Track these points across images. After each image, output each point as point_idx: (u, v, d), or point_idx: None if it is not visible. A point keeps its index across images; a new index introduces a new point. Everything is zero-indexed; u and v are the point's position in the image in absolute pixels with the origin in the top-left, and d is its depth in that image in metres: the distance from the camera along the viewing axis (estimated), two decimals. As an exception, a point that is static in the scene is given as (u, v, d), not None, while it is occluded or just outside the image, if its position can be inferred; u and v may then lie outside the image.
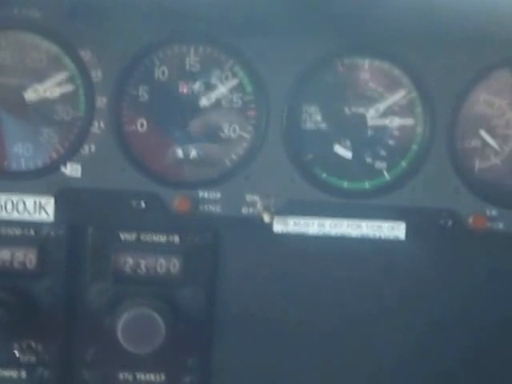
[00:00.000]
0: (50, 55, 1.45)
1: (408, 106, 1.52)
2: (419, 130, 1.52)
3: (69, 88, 1.45)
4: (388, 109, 1.52)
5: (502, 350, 1.57)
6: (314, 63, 1.48)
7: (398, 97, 1.51)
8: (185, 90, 1.48)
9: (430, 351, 1.54)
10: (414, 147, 1.53)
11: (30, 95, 1.45)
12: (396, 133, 1.53)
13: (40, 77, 1.45)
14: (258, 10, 1.42)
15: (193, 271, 1.48)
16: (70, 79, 1.45)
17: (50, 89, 1.45)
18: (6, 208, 1.44)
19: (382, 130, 1.52)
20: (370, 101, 1.51)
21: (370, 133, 1.52)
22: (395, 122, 1.51)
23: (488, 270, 1.53)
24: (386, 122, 1.52)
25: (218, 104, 1.49)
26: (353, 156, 1.52)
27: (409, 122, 1.52)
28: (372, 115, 1.51)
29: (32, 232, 1.44)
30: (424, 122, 1.52)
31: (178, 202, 1.48)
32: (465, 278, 1.53)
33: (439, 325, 1.53)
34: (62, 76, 1.45)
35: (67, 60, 1.44)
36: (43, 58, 1.45)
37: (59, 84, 1.45)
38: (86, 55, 1.44)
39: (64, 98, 1.46)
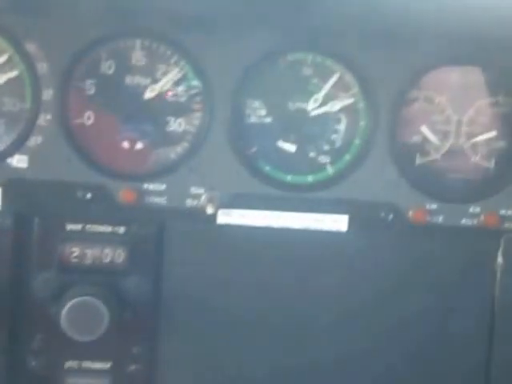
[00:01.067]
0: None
1: (344, 88, 1.55)
2: (362, 124, 1.56)
3: (12, 74, 1.47)
4: (326, 97, 1.55)
5: (446, 340, 1.61)
6: (258, 59, 1.51)
7: (331, 83, 1.54)
8: (131, 83, 1.51)
9: (371, 341, 1.58)
10: (357, 142, 1.56)
11: None
12: (339, 128, 1.56)
13: None
14: (204, 7, 1.45)
15: (138, 261, 1.50)
16: (13, 66, 1.47)
17: None
18: (-49, 198, 1.46)
19: (325, 124, 1.56)
20: (311, 94, 1.54)
21: (313, 127, 1.56)
22: (336, 105, 1.55)
23: (428, 261, 1.57)
24: (327, 108, 1.55)
25: (163, 98, 1.52)
26: (296, 150, 1.56)
27: (349, 101, 1.56)
28: (312, 107, 1.54)
29: None
30: (367, 118, 1.55)
31: (124, 194, 1.50)
32: (405, 269, 1.57)
33: (378, 314, 1.57)
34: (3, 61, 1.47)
35: (12, 52, 1.46)
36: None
37: (3, 70, 1.47)
38: (31, 48, 1.46)
39: (10, 90, 1.48)
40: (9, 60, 1.47)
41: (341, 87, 1.55)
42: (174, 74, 1.51)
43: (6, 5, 1.43)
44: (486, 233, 1.57)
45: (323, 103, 1.55)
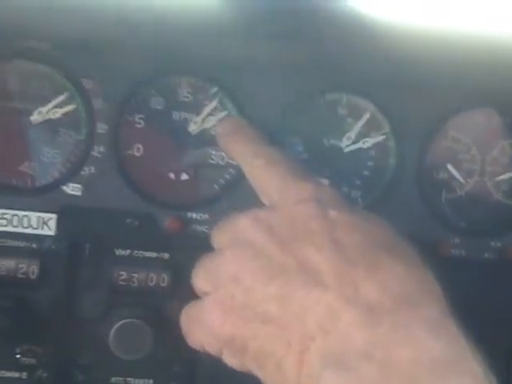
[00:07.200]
0: (54, 83, 1.58)
1: (376, 127, 1.67)
2: (392, 162, 1.67)
3: (70, 108, 1.59)
4: (359, 134, 1.66)
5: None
6: (296, 100, 1.63)
7: (363, 122, 1.66)
8: (177, 118, 1.63)
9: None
10: (387, 178, 1.67)
11: (36, 117, 1.58)
12: (371, 164, 1.67)
13: (44, 101, 1.58)
14: (250, 53, 1.56)
15: (181, 285, 1.60)
16: (70, 101, 1.59)
17: (52, 110, 1.58)
18: (12, 222, 1.57)
19: (357, 161, 1.67)
20: (345, 132, 1.66)
21: (346, 164, 1.67)
22: (368, 142, 1.66)
23: (451, 291, 1.66)
24: (359, 145, 1.66)
25: (207, 133, 1.63)
26: (330, 185, 1.66)
27: (379, 138, 1.67)
28: (346, 143, 1.65)
29: (35, 245, 1.57)
30: (396, 156, 1.66)
31: (169, 222, 1.61)
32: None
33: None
34: (62, 98, 1.59)
35: (71, 88, 1.58)
36: (48, 85, 1.59)
37: (60, 105, 1.59)
38: (88, 84, 1.57)
39: (67, 122, 1.59)
40: (67, 96, 1.59)
41: (373, 126, 1.67)
42: (220, 113, 1.62)
43: (69, 45, 1.54)
44: (507, 265, 1.67)
45: (356, 141, 1.66)
